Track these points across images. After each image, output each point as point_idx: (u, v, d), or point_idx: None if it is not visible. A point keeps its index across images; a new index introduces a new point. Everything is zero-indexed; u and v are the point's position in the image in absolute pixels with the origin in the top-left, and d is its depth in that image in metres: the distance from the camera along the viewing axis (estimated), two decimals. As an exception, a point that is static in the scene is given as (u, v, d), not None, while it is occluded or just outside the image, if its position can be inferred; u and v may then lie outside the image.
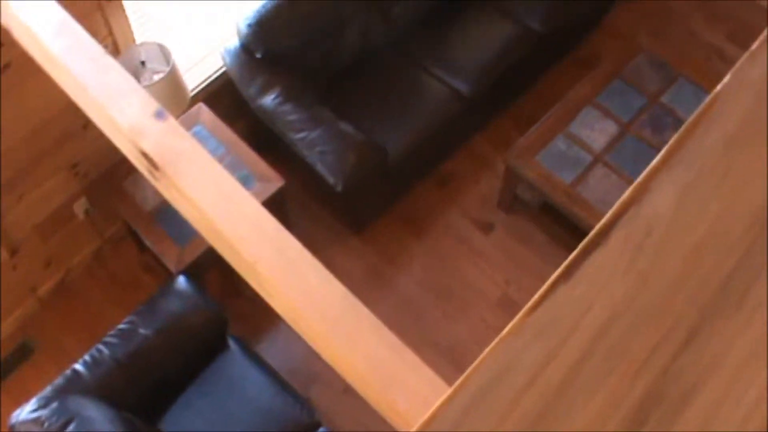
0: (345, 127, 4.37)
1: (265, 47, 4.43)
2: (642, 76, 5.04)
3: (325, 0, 4.54)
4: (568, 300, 0.91)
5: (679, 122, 4.81)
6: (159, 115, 1.65)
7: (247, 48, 4.46)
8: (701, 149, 0.97)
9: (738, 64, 1.01)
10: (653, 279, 0.90)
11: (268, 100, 4.39)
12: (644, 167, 4.31)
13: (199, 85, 4.60)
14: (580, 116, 4.82)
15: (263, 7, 4.42)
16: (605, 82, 4.96)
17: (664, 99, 4.97)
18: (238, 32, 4.46)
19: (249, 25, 4.40)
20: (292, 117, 4.35)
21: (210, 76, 4.64)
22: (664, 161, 0.98)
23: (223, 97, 4.65)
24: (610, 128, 4.81)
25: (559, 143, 4.71)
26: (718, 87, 1.01)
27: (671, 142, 1.01)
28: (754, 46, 1.03)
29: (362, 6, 4.68)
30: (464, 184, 5.04)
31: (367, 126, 4.53)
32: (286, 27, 4.45)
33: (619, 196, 4.18)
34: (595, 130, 4.79)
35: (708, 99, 1.01)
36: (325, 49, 4.63)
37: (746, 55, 1.02)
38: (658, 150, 4.29)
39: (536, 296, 0.92)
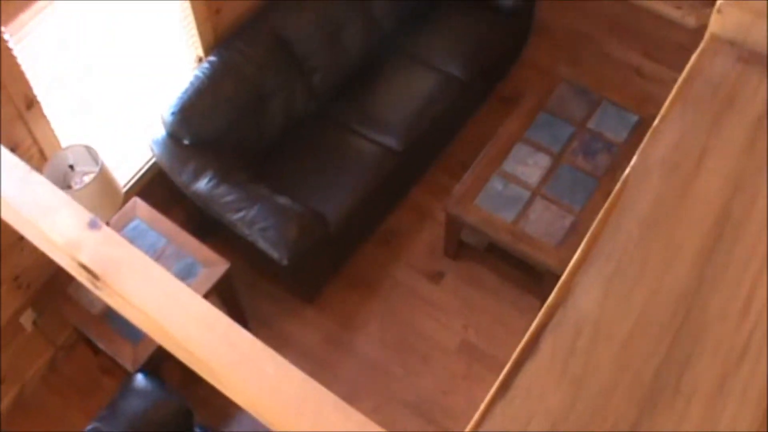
0: (282, 200, 4.37)
1: (191, 133, 4.43)
2: (566, 105, 5.12)
3: (245, 78, 4.55)
4: (507, 416, 0.92)
5: (608, 145, 4.89)
6: (93, 225, 1.64)
7: (173, 136, 4.46)
8: (618, 239, 0.98)
9: (642, 144, 1.03)
10: (588, 382, 0.91)
11: (202, 184, 4.37)
12: (582, 193, 4.36)
13: (131, 179, 4.58)
14: (512, 154, 4.87)
15: (185, 93, 4.42)
16: (531, 117, 5.02)
17: (591, 124, 5.04)
18: (163, 122, 4.45)
19: (173, 113, 4.40)
20: (228, 198, 4.34)
21: (141, 169, 4.62)
22: (583, 257, 0.99)
23: (157, 187, 4.63)
24: (543, 161, 4.86)
25: (496, 183, 4.75)
26: (627, 170, 1.03)
27: (588, 235, 1.02)
28: (656, 122, 1.05)
29: (283, 79, 4.70)
30: (408, 237, 5.06)
31: (304, 196, 4.54)
32: (210, 110, 4.46)
33: (561, 226, 4.21)
34: (529, 165, 4.84)
35: (618, 185, 1.02)
36: (252, 126, 4.64)
37: (649, 133, 1.04)
38: (593, 175, 4.31)
39: (476, 416, 0.92)
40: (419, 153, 4.99)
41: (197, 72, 4.50)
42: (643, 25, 6.06)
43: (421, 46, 5.22)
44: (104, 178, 4.02)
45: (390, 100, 4.98)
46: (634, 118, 5.03)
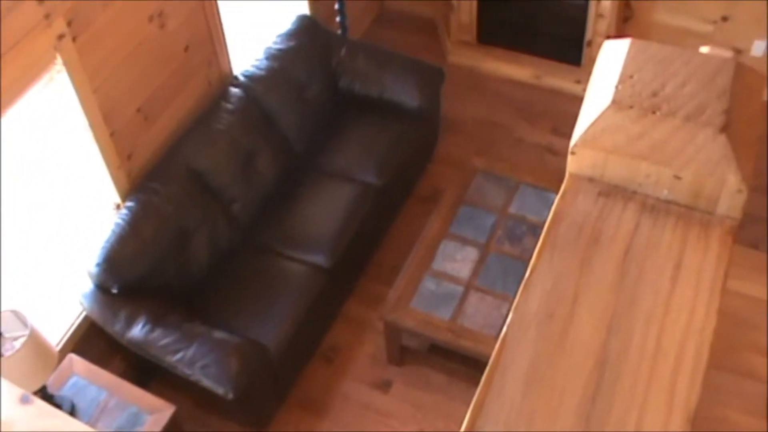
0: (219, 334, 4.37)
1: (119, 281, 4.42)
2: (485, 194, 5.22)
3: (166, 218, 4.57)
4: None
5: (532, 227, 4.98)
6: (24, 400, 1.65)
7: (101, 287, 4.45)
8: (503, 401, 1.02)
9: (516, 299, 1.08)
10: None
11: (136, 331, 4.35)
12: (514, 279, 4.43)
13: (64, 336, 4.54)
14: (440, 251, 4.94)
15: (107, 242, 4.42)
16: (453, 212, 5.11)
17: (512, 209, 5.14)
18: (89, 274, 4.44)
19: (98, 265, 4.39)
20: (165, 341, 4.32)
21: (72, 324, 4.58)
22: (470, 425, 1.03)
23: (92, 339, 4.59)
24: (471, 254, 4.93)
25: (428, 284, 4.80)
26: (504, 329, 1.07)
27: (473, 402, 1.06)
28: (527, 275, 1.10)
29: (203, 213, 4.73)
30: (350, 351, 5.07)
31: (240, 326, 4.54)
32: (134, 256, 4.46)
33: (499, 315, 4.28)
34: (458, 261, 4.91)
35: (497, 346, 1.06)
36: (178, 265, 4.65)
37: (522, 287, 1.08)
38: (522, 259, 4.38)
39: None
40: (348, 266, 5.03)
41: (117, 219, 4.51)
42: (548, 103, 6.23)
43: (334, 160, 5.31)
44: (35, 341, 3.98)
45: (311, 218, 5.04)
46: (554, 196, 5.13)
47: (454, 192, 5.23)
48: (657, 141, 2.08)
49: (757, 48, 6.01)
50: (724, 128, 2.09)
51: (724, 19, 5.99)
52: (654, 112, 2.10)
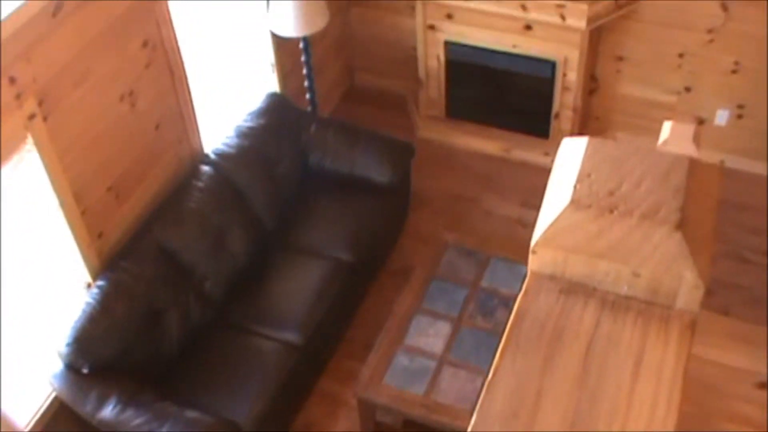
0: (191, 414, 4.32)
1: (89, 361, 4.38)
2: (456, 269, 5.24)
3: (136, 297, 4.55)
4: None
5: (504, 300, 4.99)
6: None
7: (71, 367, 4.40)
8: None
9: (480, 401, 1.08)
10: None
11: (107, 411, 4.30)
12: (487, 353, 4.44)
13: (33, 418, 4.48)
14: (412, 327, 4.93)
15: (77, 322, 4.39)
16: (424, 287, 5.12)
17: (484, 283, 5.16)
18: (59, 354, 4.40)
19: (68, 345, 4.35)
20: (137, 421, 4.27)
21: (42, 405, 4.52)
22: None
23: (63, 421, 4.53)
24: (444, 328, 4.93)
25: (401, 359, 4.79)
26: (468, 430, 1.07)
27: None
28: (489, 376, 1.10)
29: (174, 291, 4.71)
30: (324, 428, 5.02)
31: (213, 405, 4.50)
32: (105, 335, 4.42)
33: (473, 389, 4.27)
34: (430, 335, 4.90)
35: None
36: (150, 344, 4.61)
37: (485, 388, 1.09)
38: (495, 333, 4.38)
39: None
40: (320, 343, 5.02)
41: (87, 298, 4.48)
42: (517, 176, 6.30)
43: (305, 237, 5.32)
44: (2, 424, 3.93)
45: (283, 295, 5.03)
46: (525, 268, 5.15)
47: (425, 266, 5.25)
48: (615, 240, 2.15)
49: (720, 117, 6.14)
50: (680, 225, 2.15)
51: (687, 89, 6.12)
52: (611, 211, 2.17)
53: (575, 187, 2.29)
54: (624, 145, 2.49)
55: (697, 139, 2.96)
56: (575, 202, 2.23)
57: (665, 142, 2.90)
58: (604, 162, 2.41)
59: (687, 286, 2.11)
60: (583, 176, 2.34)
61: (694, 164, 2.38)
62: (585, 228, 2.15)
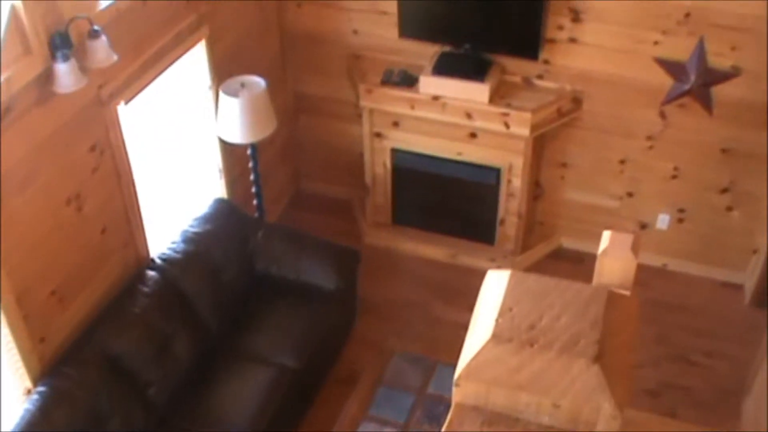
0: None
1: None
2: (403, 375, 5.22)
3: (79, 404, 4.43)
4: None
5: (450, 405, 4.96)
6: None
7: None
8: None
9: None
10: None
11: None
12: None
13: None
14: (360, 434, 4.88)
15: (16, 429, 4.26)
16: (371, 394, 5.09)
17: (431, 389, 5.14)
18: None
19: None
20: None
21: None
22: None
23: None
24: (391, 435, 4.88)
25: (349, 467, 4.72)
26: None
27: None
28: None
29: (118, 398, 4.60)
30: None
31: None
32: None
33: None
34: (378, 442, 4.85)
35: None
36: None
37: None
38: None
39: None
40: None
41: (27, 405, 4.36)
42: (463, 282, 6.32)
43: (251, 343, 5.26)
44: None
45: (228, 402, 4.93)
46: (472, 375, 5.15)
47: (372, 373, 5.23)
48: (535, 372, 2.20)
49: (661, 221, 6.26)
50: (598, 358, 2.22)
51: (630, 194, 6.25)
52: (532, 345, 2.24)
53: (497, 321, 2.39)
54: (545, 279, 2.59)
55: (635, 248, 3.02)
56: (497, 336, 2.32)
57: (604, 251, 2.96)
58: (526, 295, 2.51)
59: (605, 417, 2.17)
60: (505, 310, 2.44)
61: (612, 297, 2.47)
62: (506, 361, 2.22)
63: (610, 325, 2.38)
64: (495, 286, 2.59)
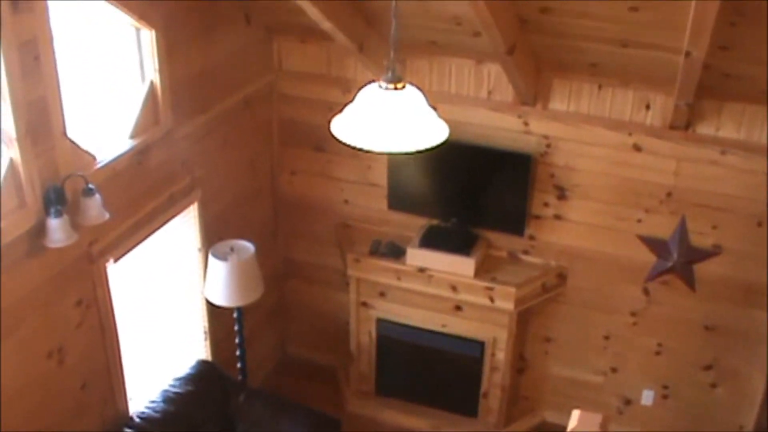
0: None
1: None
2: None
3: None
4: None
5: None
6: None
7: None
8: None
9: None
10: None
11: None
12: None
13: None
14: None
15: None
16: None
17: None
18: None
19: None
20: None
21: None
22: None
23: None
24: None
25: None
26: None
27: None
28: None
29: None
30: None
31: None
32: None
33: None
34: None
35: None
36: None
37: None
38: None
39: None
40: None
41: None
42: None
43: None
44: None
45: None
46: None
47: None
48: None
49: (646, 397, 6.24)
50: None
51: (614, 370, 6.25)
52: None
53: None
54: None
55: (603, 427, 3.02)
56: None
57: (573, 430, 2.96)
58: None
59: None
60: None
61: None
62: None
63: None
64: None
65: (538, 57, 5.34)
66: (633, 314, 6.02)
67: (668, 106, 5.28)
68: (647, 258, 5.77)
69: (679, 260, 5.66)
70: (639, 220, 5.71)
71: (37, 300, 4.24)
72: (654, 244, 5.72)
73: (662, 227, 5.66)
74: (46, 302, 4.31)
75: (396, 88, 3.22)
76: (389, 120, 3.19)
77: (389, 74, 3.21)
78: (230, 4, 5.44)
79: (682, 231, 5.59)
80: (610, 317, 6.09)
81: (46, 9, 3.87)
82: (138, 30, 4.68)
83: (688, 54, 4.34)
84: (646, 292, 5.91)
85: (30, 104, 3.87)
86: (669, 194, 5.56)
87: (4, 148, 3.85)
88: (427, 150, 3.27)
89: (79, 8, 4.32)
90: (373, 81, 3.30)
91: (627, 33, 4.70)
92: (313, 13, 4.96)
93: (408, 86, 3.25)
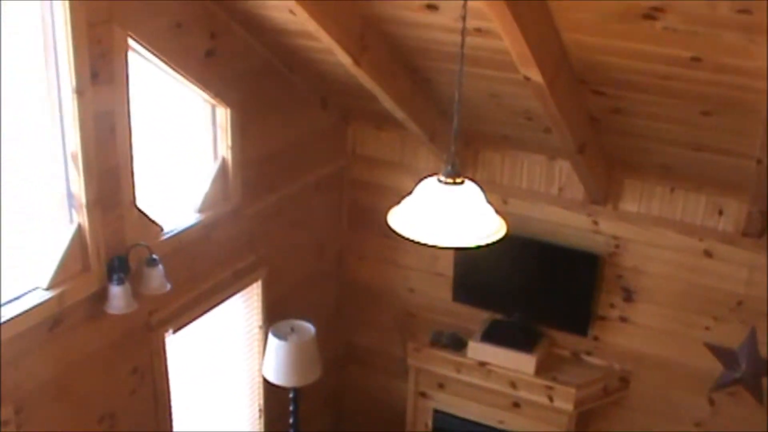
0: None
1: None
2: None
3: None
4: None
5: None
6: None
7: None
8: None
9: None
10: None
11: None
12: None
13: None
14: None
15: None
16: None
17: None
18: None
19: None
20: None
21: None
22: None
23: None
24: None
25: None
26: None
27: None
28: None
29: None
30: None
31: None
32: None
33: None
34: None
35: None
36: None
37: None
38: None
39: None
40: None
41: None
42: None
43: None
44: None
45: None
46: None
47: None
48: None
49: None
50: None
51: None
52: None
53: None
54: None
55: None
56: None
57: None
58: None
59: None
60: None
61: None
62: None
63: None
64: None
65: (610, 156, 5.32)
66: (697, 424, 5.83)
67: (741, 212, 5.20)
68: (714, 366, 5.61)
69: (747, 372, 5.49)
70: (707, 328, 5.58)
71: (93, 364, 4.29)
72: (722, 354, 5.57)
73: (731, 336, 5.51)
74: (102, 367, 4.36)
75: (455, 183, 3.22)
76: (445, 214, 3.19)
77: (449, 168, 3.22)
78: (307, 87, 5.55)
79: (752, 342, 5.43)
80: (673, 426, 5.90)
81: (125, 82, 4.00)
82: (213, 107, 4.79)
83: (759, 161, 4.28)
84: (711, 402, 5.73)
85: (102, 173, 3.98)
86: (740, 303, 5.42)
87: (73, 212, 3.96)
88: (481, 246, 3.25)
89: (158, 83, 4.45)
90: (434, 174, 3.31)
91: (699, 137, 4.65)
92: (387, 101, 5.01)
93: (467, 182, 3.25)
